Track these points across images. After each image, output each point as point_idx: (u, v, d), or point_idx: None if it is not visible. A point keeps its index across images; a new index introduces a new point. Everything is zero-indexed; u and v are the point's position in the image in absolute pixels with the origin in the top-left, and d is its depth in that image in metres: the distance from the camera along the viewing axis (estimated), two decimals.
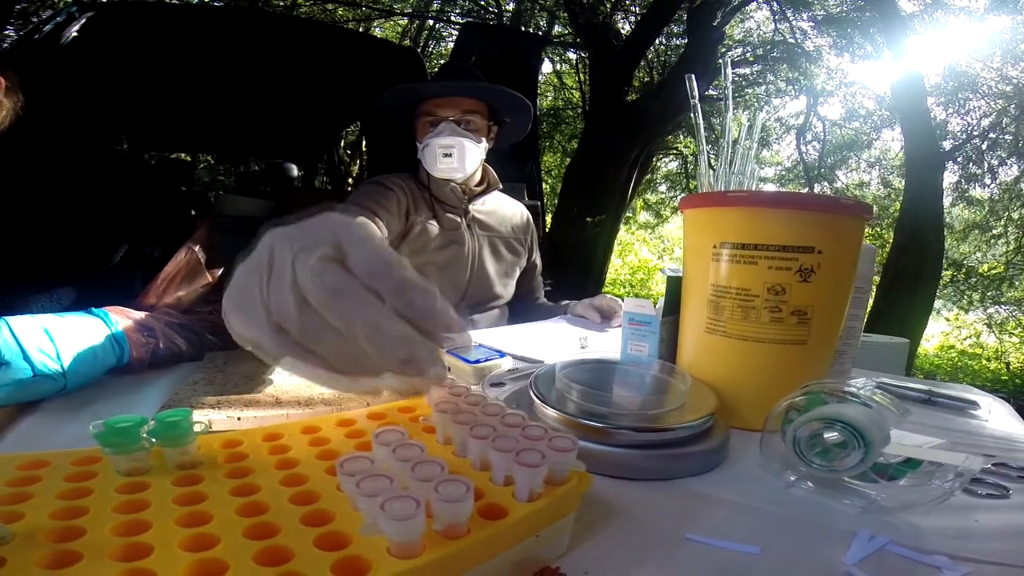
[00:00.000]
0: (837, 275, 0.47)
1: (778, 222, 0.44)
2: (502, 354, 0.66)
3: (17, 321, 0.47)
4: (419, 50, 6.21)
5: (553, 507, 0.27)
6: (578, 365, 0.53)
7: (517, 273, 1.21)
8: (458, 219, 1.11)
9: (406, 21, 6.01)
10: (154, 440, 0.27)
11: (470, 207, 1.12)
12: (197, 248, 0.72)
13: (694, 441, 0.44)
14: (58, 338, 0.48)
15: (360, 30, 6.16)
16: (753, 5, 5.17)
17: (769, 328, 0.46)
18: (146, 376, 0.57)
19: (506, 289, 1.18)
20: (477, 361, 0.63)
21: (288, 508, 0.24)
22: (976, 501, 0.43)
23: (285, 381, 0.55)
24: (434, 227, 1.07)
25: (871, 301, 4.59)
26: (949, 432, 0.63)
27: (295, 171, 2.94)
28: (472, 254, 1.12)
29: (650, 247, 6.72)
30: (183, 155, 4.04)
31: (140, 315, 0.61)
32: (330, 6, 5.55)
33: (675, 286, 0.53)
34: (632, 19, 5.45)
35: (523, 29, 4.60)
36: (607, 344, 0.82)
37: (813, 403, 0.44)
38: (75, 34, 1.97)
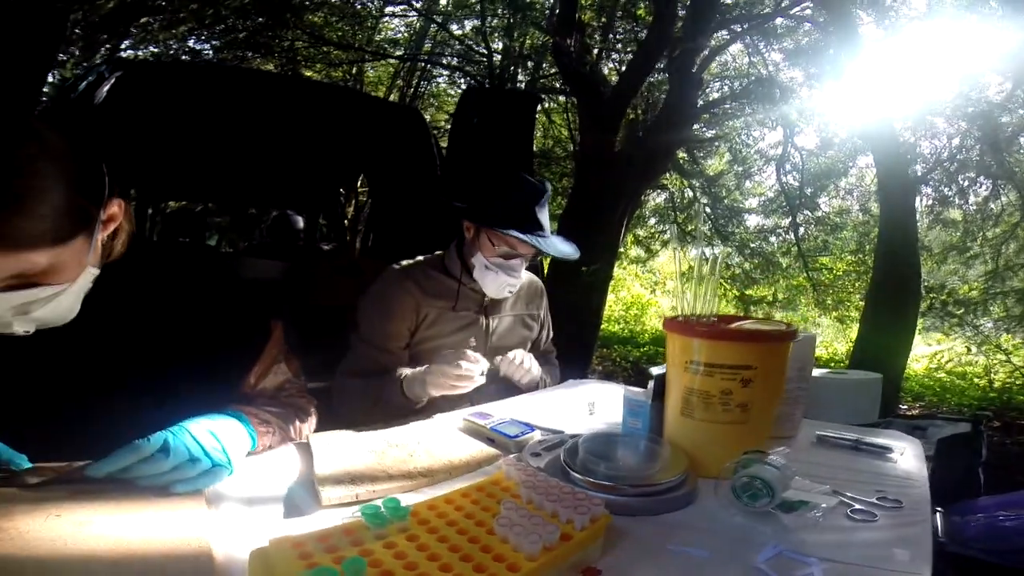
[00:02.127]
0: (769, 381, 0.76)
1: (727, 350, 0.73)
2: (532, 428, 0.93)
3: (192, 426, 0.70)
4: (412, 89, 6.63)
5: (592, 534, 0.54)
6: (593, 439, 0.80)
7: (529, 346, 1.38)
8: (477, 304, 1.27)
9: (397, 62, 6.42)
10: (390, 517, 0.53)
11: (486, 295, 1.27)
12: (276, 350, 0.98)
13: (673, 490, 0.71)
14: (222, 437, 0.72)
15: (353, 71, 6.58)
16: (726, 37, 5.62)
17: (721, 415, 0.74)
18: (273, 457, 0.82)
19: None
20: (516, 436, 0.90)
21: (469, 546, 0.50)
22: (851, 523, 0.71)
23: (386, 458, 0.81)
24: (450, 314, 1.22)
25: (857, 329, 4.89)
26: (859, 473, 0.91)
27: (301, 223, 3.21)
28: (486, 335, 1.28)
29: (642, 281, 7.11)
30: (179, 203, 4.29)
31: (257, 411, 0.85)
32: (325, 48, 5.96)
33: (661, 381, 0.82)
34: (617, 60, 5.93)
35: (517, 87, 5.02)
36: (611, 409, 1.09)
37: (749, 463, 0.71)
38: (106, 93, 2.23)
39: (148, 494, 0.62)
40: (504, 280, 1.20)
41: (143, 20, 5.56)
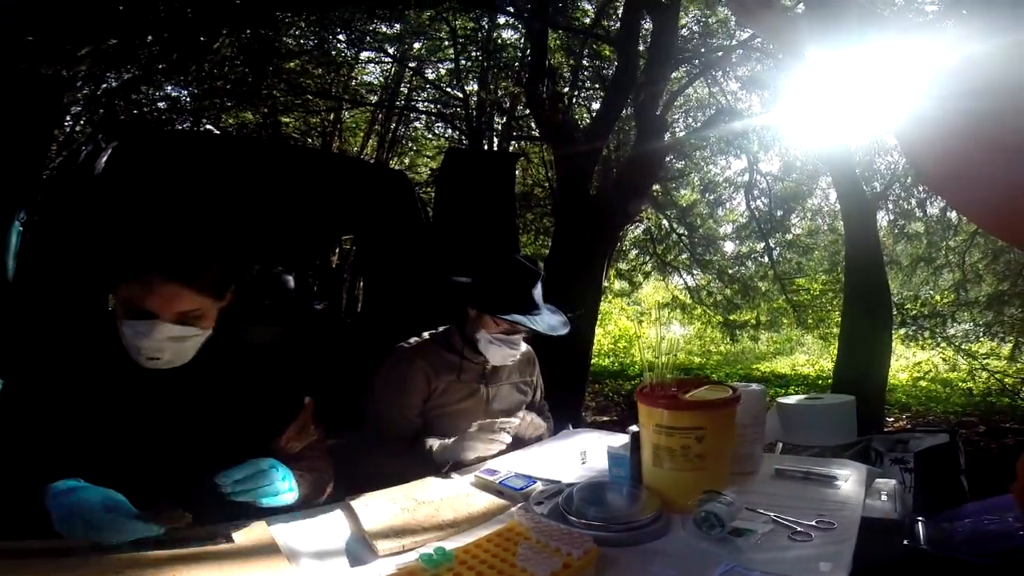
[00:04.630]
0: (719, 437, 1.00)
1: (683, 416, 0.98)
2: (534, 480, 1.15)
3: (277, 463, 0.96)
4: (390, 135, 6.97)
5: (587, 562, 0.76)
6: (584, 488, 1.02)
7: (524, 408, 1.60)
8: (478, 374, 1.49)
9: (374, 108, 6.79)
10: (440, 560, 0.75)
11: (486, 366, 1.51)
12: (306, 421, 1.20)
13: (650, 524, 0.94)
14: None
15: (331, 117, 6.91)
16: (685, 71, 6.05)
17: (683, 464, 0.98)
18: (327, 519, 1.02)
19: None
20: (521, 488, 1.12)
21: None
22: (792, 543, 0.94)
23: (418, 513, 1.02)
24: (457, 385, 1.45)
25: (836, 351, 5.14)
26: (806, 500, 1.13)
27: (292, 282, 3.41)
28: (487, 402, 1.50)
29: (628, 313, 7.46)
30: None
31: (296, 467, 1.07)
32: (303, 97, 6.29)
33: (636, 438, 1.06)
34: (586, 98, 6.37)
35: (497, 146, 5.39)
36: (599, 456, 1.32)
37: (707, 501, 0.94)
38: (105, 163, 2.42)
39: (240, 559, 0.83)
40: (507, 352, 1.46)
41: (124, 72, 5.81)
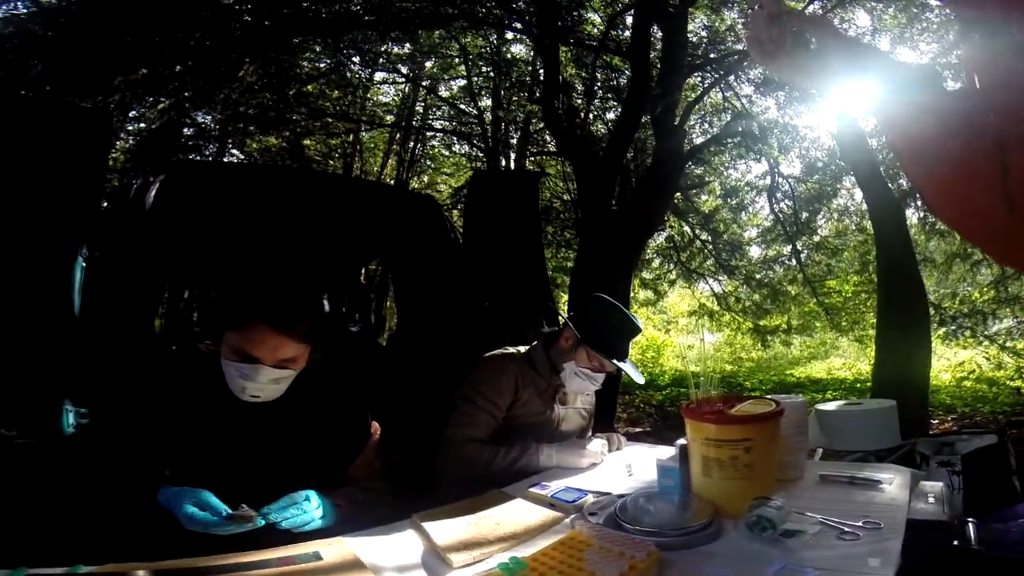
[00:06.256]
0: (765, 448, 1.08)
1: (730, 430, 1.05)
2: (585, 492, 1.24)
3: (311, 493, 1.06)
4: (408, 155, 7.20)
5: (649, 564, 0.85)
6: (637, 497, 1.10)
7: (580, 431, 1.76)
8: (552, 396, 1.64)
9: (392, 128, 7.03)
10: (516, 568, 0.84)
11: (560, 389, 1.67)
12: (372, 452, 1.31)
13: (703, 529, 1.01)
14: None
15: (350, 138, 7.19)
16: (698, 77, 6.10)
17: (732, 473, 1.06)
18: (401, 537, 1.12)
19: None
20: (574, 500, 1.20)
21: None
22: (840, 542, 1.00)
23: (482, 527, 1.11)
24: (536, 400, 1.60)
25: (874, 353, 5.05)
26: (852, 503, 1.20)
27: (327, 306, 3.56)
28: (556, 422, 1.66)
29: (655, 323, 7.49)
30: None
31: (333, 494, 1.17)
32: (323, 119, 6.57)
33: (684, 450, 1.14)
34: (600, 108, 6.49)
35: (518, 165, 5.57)
36: (645, 470, 1.40)
37: (757, 506, 1.01)
38: (155, 196, 2.58)
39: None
40: (587, 385, 1.62)
41: (157, 101, 6.15)
